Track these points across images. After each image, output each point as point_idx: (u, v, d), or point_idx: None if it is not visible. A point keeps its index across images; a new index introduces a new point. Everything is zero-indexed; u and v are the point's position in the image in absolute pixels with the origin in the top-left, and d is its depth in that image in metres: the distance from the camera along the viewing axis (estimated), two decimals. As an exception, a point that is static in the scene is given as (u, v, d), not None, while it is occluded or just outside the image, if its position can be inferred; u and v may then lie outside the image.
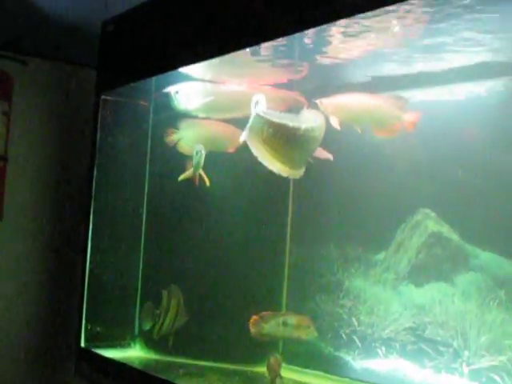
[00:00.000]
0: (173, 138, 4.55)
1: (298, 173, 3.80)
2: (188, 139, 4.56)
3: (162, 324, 4.58)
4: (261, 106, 3.72)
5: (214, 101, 4.42)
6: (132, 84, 4.76)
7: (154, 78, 4.66)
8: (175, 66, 4.20)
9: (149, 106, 5.02)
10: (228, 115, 4.45)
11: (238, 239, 4.62)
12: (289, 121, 3.74)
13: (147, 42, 4.50)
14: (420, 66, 4.01)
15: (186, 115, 4.50)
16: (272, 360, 3.99)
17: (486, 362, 3.76)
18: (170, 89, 4.38)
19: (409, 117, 4.02)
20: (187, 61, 4.09)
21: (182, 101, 4.40)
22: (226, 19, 3.84)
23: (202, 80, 4.43)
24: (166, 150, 4.78)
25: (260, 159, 3.73)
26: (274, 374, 3.99)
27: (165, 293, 4.60)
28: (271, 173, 4.30)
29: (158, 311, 4.60)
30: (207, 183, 4.40)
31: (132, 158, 5.00)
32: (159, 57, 4.37)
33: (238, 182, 4.62)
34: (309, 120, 3.79)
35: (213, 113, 4.51)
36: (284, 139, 3.72)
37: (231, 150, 4.49)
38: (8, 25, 4.92)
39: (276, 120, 3.71)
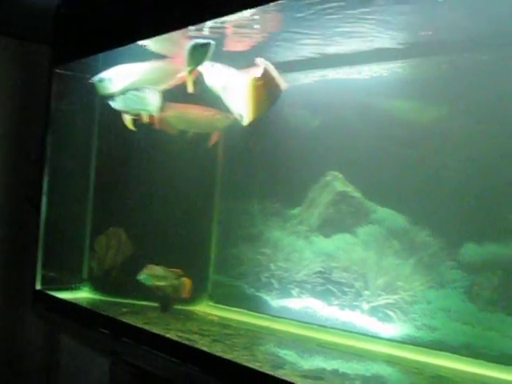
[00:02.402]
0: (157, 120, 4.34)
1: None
2: (172, 122, 4.39)
3: (103, 263, 4.61)
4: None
5: (139, 79, 4.24)
6: (82, 60, 4.70)
7: (100, 55, 4.60)
8: (118, 45, 4.17)
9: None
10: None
11: (174, 195, 4.67)
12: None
13: (95, 23, 4.47)
14: (332, 49, 4.08)
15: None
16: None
17: (382, 301, 3.94)
18: (93, 79, 4.27)
19: None
20: (127, 40, 4.07)
21: (107, 87, 4.22)
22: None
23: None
24: (111, 117, 4.76)
25: (242, 103, 3.68)
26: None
27: (101, 237, 4.63)
28: (202, 137, 4.35)
29: (97, 254, 4.64)
30: (146, 120, 4.24)
31: (82, 123, 4.99)
32: (105, 36, 4.34)
33: (174, 145, 4.60)
34: None
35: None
36: (270, 95, 3.68)
37: (214, 131, 4.40)
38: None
39: (277, 77, 3.65)
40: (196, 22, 3.60)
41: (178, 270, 4.27)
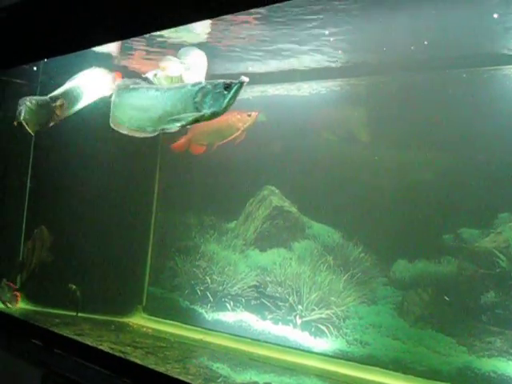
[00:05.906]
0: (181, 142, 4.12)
1: None
2: (197, 139, 4.13)
3: (29, 267, 4.54)
4: None
5: None
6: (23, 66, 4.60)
7: (41, 63, 4.51)
8: (56, 54, 4.07)
9: (37, 85, 4.84)
10: None
11: (113, 205, 4.60)
12: None
13: (33, 32, 4.36)
14: (273, 65, 4.09)
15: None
16: None
17: (315, 315, 3.92)
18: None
19: None
20: (65, 51, 3.97)
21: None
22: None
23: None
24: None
25: None
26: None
27: (27, 243, 4.59)
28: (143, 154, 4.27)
29: (23, 260, 4.57)
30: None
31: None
32: (43, 45, 4.23)
33: (115, 157, 4.53)
34: None
35: None
36: None
37: (238, 136, 4.05)
38: None
39: None
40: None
41: (13, 285, 4.40)
